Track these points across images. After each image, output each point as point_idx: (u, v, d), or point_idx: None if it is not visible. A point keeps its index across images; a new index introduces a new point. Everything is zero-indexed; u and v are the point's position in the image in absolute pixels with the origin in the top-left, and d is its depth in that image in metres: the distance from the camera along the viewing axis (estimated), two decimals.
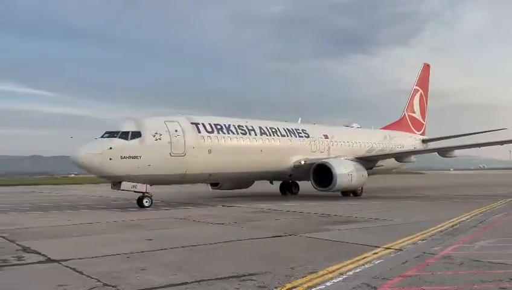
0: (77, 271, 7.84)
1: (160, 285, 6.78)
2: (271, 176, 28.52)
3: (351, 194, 26.65)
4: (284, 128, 27.34)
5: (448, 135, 40.48)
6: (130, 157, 19.05)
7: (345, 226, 13.71)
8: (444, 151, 30.71)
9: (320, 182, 24.76)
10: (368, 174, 27.82)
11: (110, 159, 18.69)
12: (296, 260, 8.54)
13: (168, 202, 24.93)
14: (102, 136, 19.39)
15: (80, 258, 8.99)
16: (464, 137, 39.00)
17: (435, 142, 39.78)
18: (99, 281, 7.03)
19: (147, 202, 20.10)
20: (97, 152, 18.64)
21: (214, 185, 28.45)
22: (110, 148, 18.76)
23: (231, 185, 29.13)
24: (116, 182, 19.81)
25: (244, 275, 7.25)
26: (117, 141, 19.09)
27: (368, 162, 28.15)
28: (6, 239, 11.61)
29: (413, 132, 40.95)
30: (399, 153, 32.05)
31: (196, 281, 6.93)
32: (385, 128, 39.07)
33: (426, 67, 43.89)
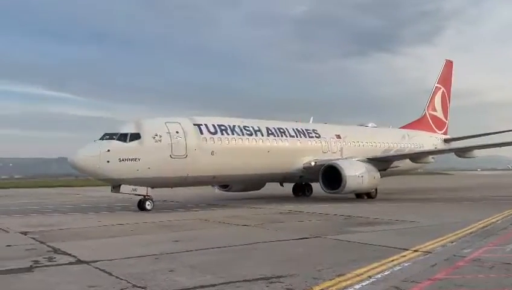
0: (106, 272, 7.90)
1: (188, 287, 6.77)
2: (280, 178, 27.07)
3: (365, 197, 25.35)
4: (293, 129, 26.04)
5: (475, 134, 37.86)
6: (128, 159, 18.28)
7: (370, 228, 13.50)
8: (461, 152, 29.12)
9: (329, 184, 23.53)
10: (383, 176, 26.73)
11: (108, 161, 17.96)
12: (323, 262, 8.44)
13: (188, 203, 24.58)
14: (101, 138, 18.75)
15: (110, 260, 9.06)
16: (489, 136, 36.13)
17: (457, 141, 37.70)
18: (128, 282, 7.07)
19: (149, 205, 19.23)
20: (94, 154, 17.98)
21: (224, 187, 27.38)
22: (108, 150, 18.07)
23: (241, 187, 27.61)
24: (115, 185, 19.07)
25: (272, 277, 7.20)
26: (115, 143, 18.39)
27: (381, 163, 26.56)
28: (37, 240, 11.72)
29: (435, 131, 38.88)
30: (414, 153, 29.87)
31: (224, 283, 6.89)
32: (404, 127, 37.18)
33: (449, 64, 41.76)
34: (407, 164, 29.12)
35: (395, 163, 27.90)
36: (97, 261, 8.91)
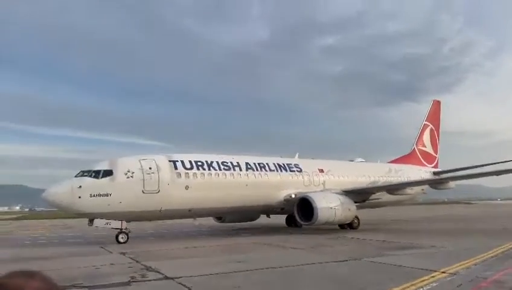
0: (187, 287, 7.75)
1: None
2: (261, 210, 23.18)
3: (347, 227, 21.82)
4: (273, 163, 22.36)
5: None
6: (99, 195, 16.20)
7: (403, 252, 12.42)
8: (437, 183, 24.74)
9: (305, 216, 20.06)
10: (364, 207, 23.45)
11: (79, 197, 15.92)
12: (364, 282, 7.96)
13: (246, 229, 23.65)
14: (76, 175, 16.70)
15: (189, 276, 8.85)
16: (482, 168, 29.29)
17: (447, 174, 32.18)
18: None
19: (122, 238, 16.81)
20: (66, 191, 16.04)
21: (218, 218, 23.88)
22: (80, 186, 16.04)
23: (234, 218, 24.10)
24: (91, 219, 16.78)
25: None
26: (87, 180, 16.31)
27: (359, 195, 22.57)
28: (133, 259, 11.79)
29: (424, 165, 34.89)
30: (389, 185, 24.84)
31: None
32: (393, 161, 33.00)
33: (436, 104, 38.67)
34: (388, 196, 24.36)
35: (376, 195, 23.62)
36: (180, 277, 8.72)
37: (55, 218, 48.04)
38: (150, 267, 10.39)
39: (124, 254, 13.34)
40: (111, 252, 14.08)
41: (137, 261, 11.47)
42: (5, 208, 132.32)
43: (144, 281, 8.74)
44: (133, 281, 8.61)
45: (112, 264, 11.24)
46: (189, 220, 24.42)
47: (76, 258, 12.78)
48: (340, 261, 11.02)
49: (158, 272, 9.68)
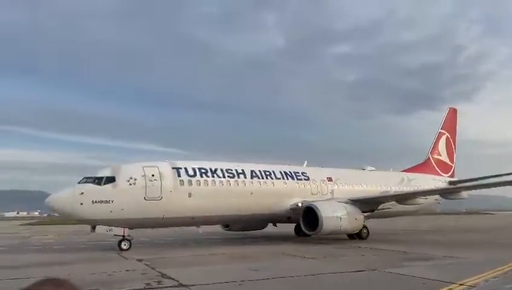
0: None
1: None
2: (266, 219, 22.53)
3: (356, 237, 21.07)
4: (280, 171, 21.74)
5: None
6: (101, 201, 16.01)
7: (420, 263, 12.11)
8: (447, 193, 23.56)
9: (311, 225, 19.46)
10: (372, 217, 22.76)
11: (81, 203, 15.78)
12: None
13: (255, 237, 23.09)
14: (79, 182, 16.50)
15: (204, 284, 8.85)
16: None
17: (463, 183, 30.80)
18: None
19: (125, 245, 16.55)
20: (68, 197, 15.91)
21: (226, 226, 23.54)
22: (82, 193, 15.89)
23: (241, 226, 23.52)
24: (91, 225, 16.66)
25: None
26: (89, 186, 16.15)
27: (367, 204, 21.73)
28: (149, 266, 11.81)
29: (440, 174, 33.56)
30: (398, 194, 23.65)
31: None
32: (407, 170, 31.34)
33: (452, 112, 37.35)
34: (399, 205, 23.19)
35: (386, 204, 22.69)
36: (194, 285, 8.71)
37: (73, 224, 48.60)
38: (165, 274, 10.39)
39: (140, 260, 13.39)
40: (127, 259, 14.15)
41: (152, 268, 11.50)
42: (24, 213, 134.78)
43: (159, 288, 8.75)
44: (148, 288, 8.65)
45: (128, 270, 11.32)
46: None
47: (92, 264, 12.91)
48: (357, 271, 10.83)
49: (173, 279, 9.68)
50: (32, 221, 64.63)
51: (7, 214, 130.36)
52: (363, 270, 10.93)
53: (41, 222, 60.15)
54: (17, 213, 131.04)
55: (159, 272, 10.73)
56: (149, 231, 18.69)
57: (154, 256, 14.59)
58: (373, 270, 10.96)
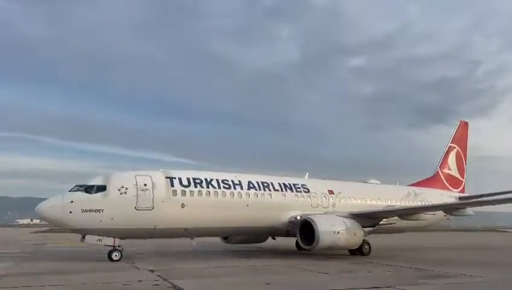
0: None
1: None
2: (264, 232, 21.59)
3: (358, 253, 20.26)
4: (278, 183, 20.96)
5: None
6: (91, 210, 15.58)
7: (434, 281, 11.84)
8: (451, 209, 22.45)
9: (309, 240, 18.64)
10: (375, 232, 21.91)
11: (71, 212, 15.39)
12: None
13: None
14: (70, 190, 16.13)
15: None
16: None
17: (473, 199, 29.35)
18: None
19: (116, 255, 16.15)
20: (57, 205, 15.53)
21: (225, 238, 22.86)
22: (71, 201, 15.52)
23: (240, 239, 22.82)
24: (83, 235, 16.19)
25: None
26: (79, 195, 15.76)
27: (368, 219, 20.92)
28: (161, 277, 11.78)
29: (449, 189, 32.43)
30: (401, 209, 22.90)
31: None
32: (414, 184, 30.26)
33: (463, 125, 36.04)
34: (403, 221, 22.39)
35: (390, 220, 21.89)
36: None
37: None
38: (177, 286, 10.33)
39: (152, 271, 13.35)
40: (139, 269, 14.15)
41: (164, 279, 11.45)
42: (37, 221, 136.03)
43: None
44: None
45: (140, 281, 11.27)
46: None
47: (104, 274, 12.93)
48: (373, 287, 10.60)
49: None
50: (43, 229, 65.01)
51: (21, 221, 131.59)
52: (379, 287, 10.66)
53: (52, 229, 60.49)
54: (31, 220, 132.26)
55: (171, 284, 10.67)
56: (159, 241, 18.51)
57: (166, 267, 14.51)
58: (388, 287, 10.68)
